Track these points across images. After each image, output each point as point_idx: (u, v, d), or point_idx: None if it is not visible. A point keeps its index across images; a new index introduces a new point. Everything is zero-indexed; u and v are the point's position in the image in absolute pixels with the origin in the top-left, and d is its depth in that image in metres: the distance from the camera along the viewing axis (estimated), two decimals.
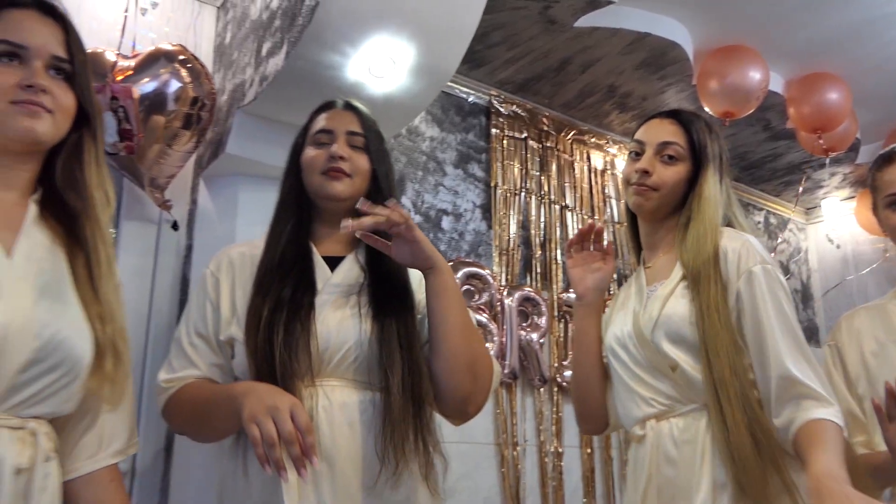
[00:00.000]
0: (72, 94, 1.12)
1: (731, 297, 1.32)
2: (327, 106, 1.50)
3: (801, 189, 4.01)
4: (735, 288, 1.32)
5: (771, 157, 3.92)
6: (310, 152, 1.43)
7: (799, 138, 3.46)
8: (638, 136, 1.52)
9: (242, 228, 2.20)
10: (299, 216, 1.43)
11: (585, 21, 2.72)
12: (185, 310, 1.44)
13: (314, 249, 1.41)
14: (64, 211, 1.13)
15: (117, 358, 1.10)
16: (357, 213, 1.26)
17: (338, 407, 1.25)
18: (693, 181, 1.46)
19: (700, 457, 1.26)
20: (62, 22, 1.14)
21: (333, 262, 1.40)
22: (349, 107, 1.48)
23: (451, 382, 1.30)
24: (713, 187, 1.43)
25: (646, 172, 1.45)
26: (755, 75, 2.91)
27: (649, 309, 1.40)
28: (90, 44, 2.15)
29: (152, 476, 2.14)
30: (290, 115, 2.06)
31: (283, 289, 1.31)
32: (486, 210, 3.07)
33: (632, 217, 1.58)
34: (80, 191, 1.14)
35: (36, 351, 0.99)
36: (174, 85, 2.04)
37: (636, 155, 1.50)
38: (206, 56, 2.46)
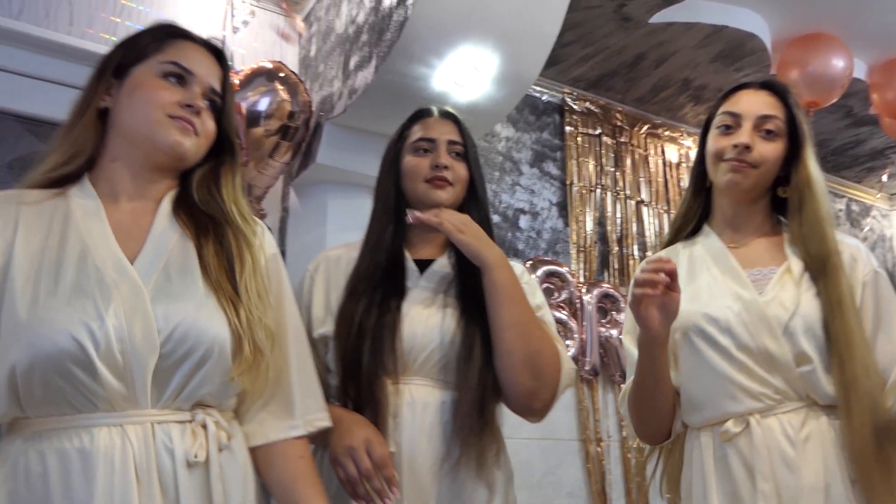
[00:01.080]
0: (214, 124, 1.20)
1: (857, 295, 1.29)
2: (424, 114, 1.53)
3: (885, 176, 3.89)
4: (860, 286, 1.29)
5: (853, 143, 3.82)
6: (411, 160, 1.47)
7: (882, 124, 3.37)
8: (729, 107, 1.39)
9: (332, 234, 2.30)
10: (395, 221, 1.47)
11: (661, 17, 2.71)
12: None
13: (406, 254, 1.45)
14: (195, 210, 1.18)
15: (257, 348, 1.11)
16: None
17: (420, 406, 1.31)
18: (789, 160, 1.37)
19: (823, 457, 1.23)
20: (222, 62, 1.23)
21: (425, 266, 1.44)
22: (447, 115, 1.51)
23: (510, 378, 1.31)
24: (817, 168, 1.36)
25: (747, 148, 1.34)
26: (838, 63, 2.85)
27: (776, 296, 1.31)
28: None
29: None
30: (377, 126, 2.14)
31: (374, 292, 1.36)
32: (563, 208, 3.10)
33: (696, 191, 1.48)
34: (217, 202, 1.19)
35: (163, 345, 1.03)
36: (273, 100, 2.15)
37: (727, 128, 1.38)
38: (292, 67, 2.56)
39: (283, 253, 2.41)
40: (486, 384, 1.31)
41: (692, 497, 1.34)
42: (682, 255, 1.46)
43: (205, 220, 1.17)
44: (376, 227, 1.48)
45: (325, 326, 1.40)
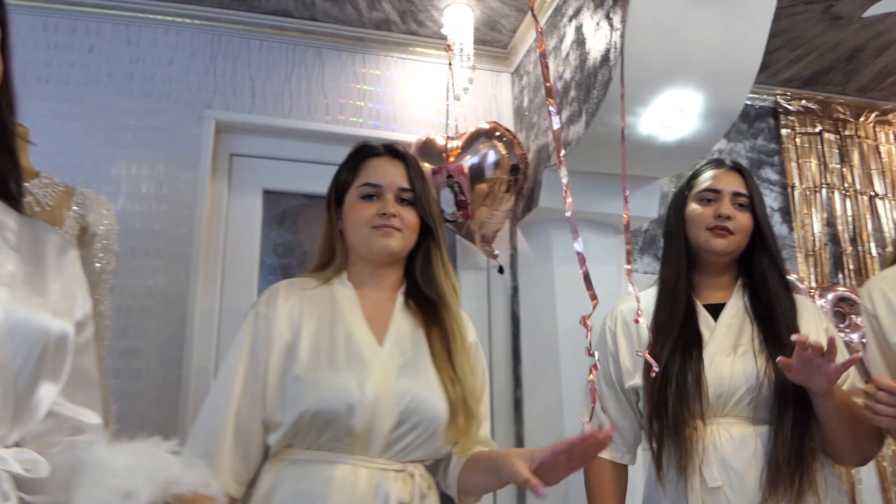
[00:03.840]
0: (415, 213, 1.49)
1: None
2: (715, 164, 1.69)
3: None
4: None
5: None
6: (696, 209, 1.62)
7: None
8: None
9: (559, 269, 2.52)
10: (684, 269, 1.62)
11: (875, 9, 2.61)
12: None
13: (696, 301, 1.60)
14: (423, 300, 1.49)
15: (468, 414, 1.40)
16: None
17: (738, 441, 1.45)
18: None
19: None
20: (405, 160, 1.52)
21: (714, 309, 1.58)
22: (736, 168, 1.66)
23: (835, 454, 1.48)
24: None
25: None
26: None
27: None
28: (420, 130, 2.67)
29: (510, 489, 2.55)
30: (591, 167, 2.34)
31: (674, 341, 1.52)
32: (786, 213, 3.06)
33: None
34: (435, 286, 1.49)
35: (399, 414, 1.33)
36: (493, 156, 2.44)
37: None
38: (507, 118, 2.84)
39: (515, 288, 2.69)
40: (802, 420, 1.43)
41: None
42: None
43: (427, 306, 1.48)
44: (668, 274, 1.65)
45: (636, 379, 1.59)
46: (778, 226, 3.03)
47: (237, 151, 2.63)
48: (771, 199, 3.06)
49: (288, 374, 1.33)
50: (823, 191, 3.10)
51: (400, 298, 1.48)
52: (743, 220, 1.58)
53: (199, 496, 0.82)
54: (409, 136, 2.64)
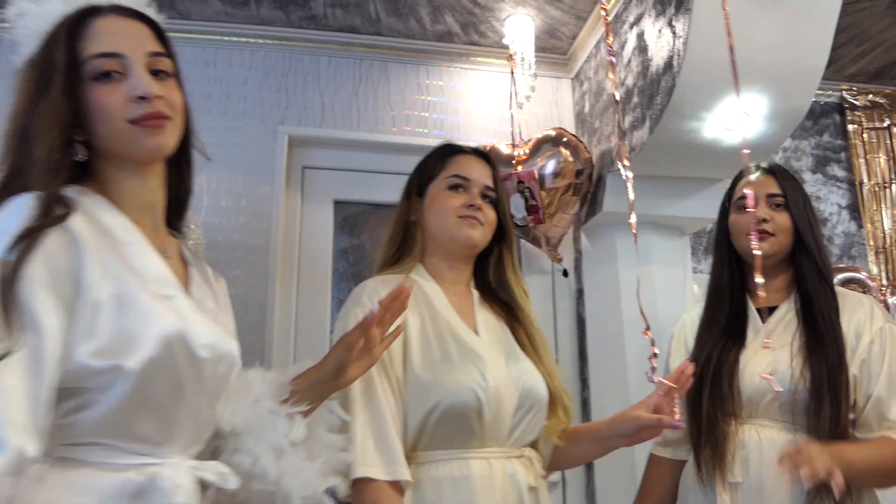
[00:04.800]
0: (494, 212, 1.55)
1: None
2: (751, 170, 1.70)
3: None
4: None
5: None
6: (735, 217, 1.67)
7: None
8: None
9: (623, 271, 2.55)
10: (733, 274, 1.66)
11: None
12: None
13: (749, 302, 1.63)
14: (494, 299, 1.54)
15: (565, 408, 1.47)
16: None
17: (766, 444, 1.47)
18: None
19: None
20: (490, 162, 1.59)
21: (769, 312, 1.60)
22: (769, 171, 1.69)
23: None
24: None
25: None
26: None
27: None
28: (483, 139, 2.73)
29: (578, 485, 2.60)
30: (654, 171, 2.37)
31: (715, 344, 1.56)
32: (854, 210, 3.02)
33: None
34: (507, 288, 1.54)
35: (518, 399, 1.37)
36: (559, 162, 2.49)
37: None
38: (568, 123, 2.88)
39: (580, 290, 2.74)
40: (836, 427, 1.42)
41: None
42: None
43: (500, 304, 1.54)
44: (714, 282, 1.69)
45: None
46: (846, 223, 3.00)
47: (309, 164, 2.74)
48: (838, 197, 3.03)
49: (405, 372, 1.34)
50: (894, 186, 3.05)
51: (476, 293, 1.52)
52: (781, 220, 1.60)
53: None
54: (472, 144, 2.68)
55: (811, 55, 2.02)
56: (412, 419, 1.31)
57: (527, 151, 2.57)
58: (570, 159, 2.49)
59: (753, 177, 1.69)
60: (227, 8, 2.63)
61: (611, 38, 2.52)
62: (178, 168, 1.12)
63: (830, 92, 3.13)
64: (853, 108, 3.12)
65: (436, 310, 1.43)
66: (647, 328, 1.42)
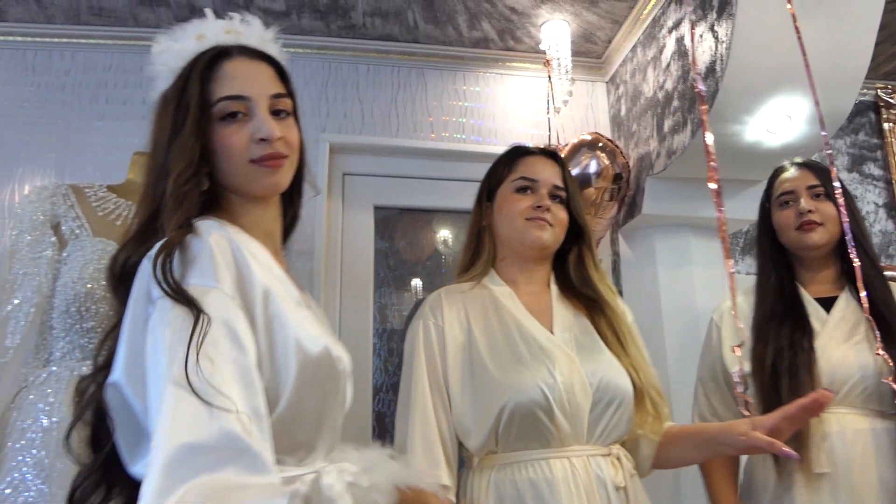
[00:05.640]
0: (566, 211, 1.55)
1: None
2: (781, 168, 1.74)
3: None
4: None
5: None
6: (780, 214, 1.69)
7: None
8: None
9: (663, 272, 2.57)
10: (782, 268, 1.68)
11: None
12: (700, 357, 1.81)
13: (804, 293, 1.64)
14: (578, 295, 1.53)
15: (653, 401, 1.45)
16: None
17: (851, 433, 1.48)
18: None
19: None
20: (559, 161, 1.59)
21: (825, 303, 1.62)
22: (805, 166, 1.70)
23: None
24: None
25: None
26: None
27: None
28: (520, 141, 2.75)
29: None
30: (695, 173, 2.39)
31: (781, 335, 1.56)
32: (891, 208, 3.02)
33: None
34: (591, 285, 1.54)
35: (594, 394, 1.37)
36: (595, 166, 2.52)
37: None
38: (604, 127, 2.91)
39: (619, 293, 2.75)
40: None
41: None
42: None
43: (584, 300, 1.54)
44: (764, 277, 1.71)
45: (735, 367, 1.62)
46: (883, 222, 3.00)
47: (349, 171, 2.79)
48: (875, 195, 3.03)
49: (472, 377, 1.37)
50: None
51: (554, 289, 1.52)
52: (826, 209, 1.63)
53: (420, 490, 0.94)
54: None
55: (854, 57, 2.03)
56: (482, 420, 1.33)
57: (563, 156, 2.60)
58: (608, 163, 2.52)
59: (789, 174, 1.72)
60: (269, 19, 2.67)
61: (639, 37, 2.55)
62: (290, 197, 1.19)
63: (865, 90, 3.13)
64: (888, 106, 3.12)
65: (506, 313, 1.44)
66: (741, 344, 1.42)
